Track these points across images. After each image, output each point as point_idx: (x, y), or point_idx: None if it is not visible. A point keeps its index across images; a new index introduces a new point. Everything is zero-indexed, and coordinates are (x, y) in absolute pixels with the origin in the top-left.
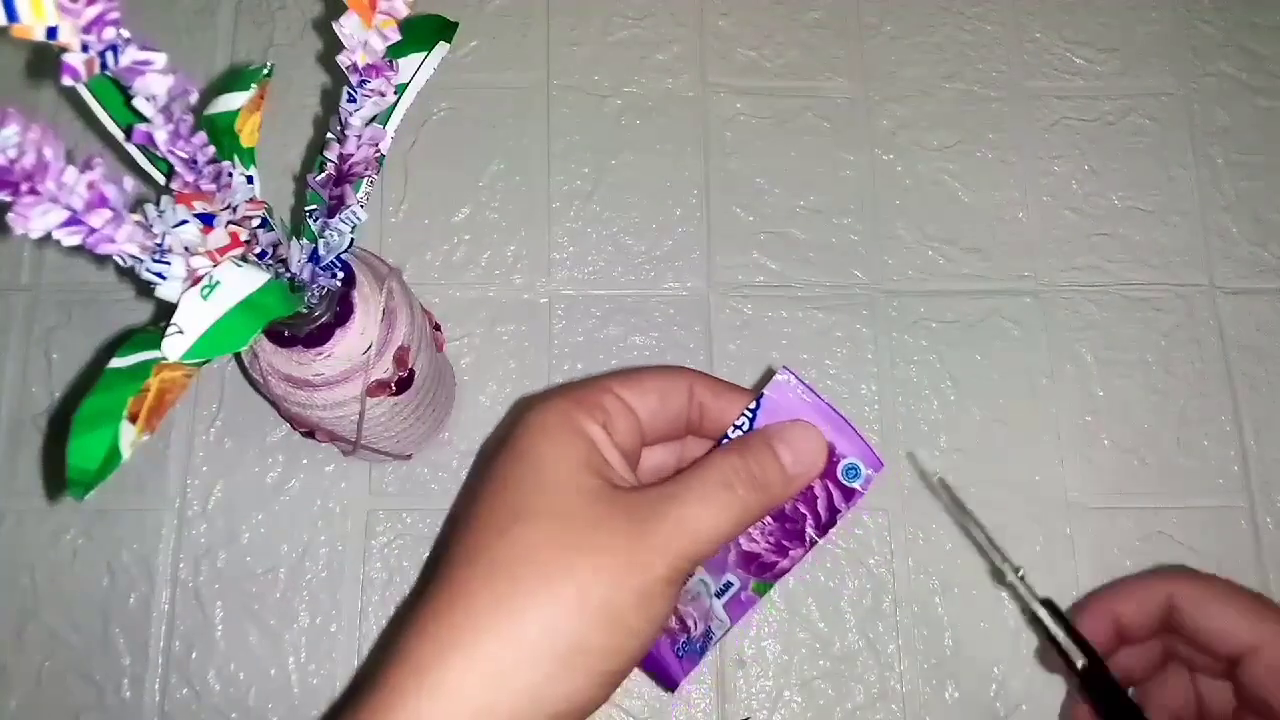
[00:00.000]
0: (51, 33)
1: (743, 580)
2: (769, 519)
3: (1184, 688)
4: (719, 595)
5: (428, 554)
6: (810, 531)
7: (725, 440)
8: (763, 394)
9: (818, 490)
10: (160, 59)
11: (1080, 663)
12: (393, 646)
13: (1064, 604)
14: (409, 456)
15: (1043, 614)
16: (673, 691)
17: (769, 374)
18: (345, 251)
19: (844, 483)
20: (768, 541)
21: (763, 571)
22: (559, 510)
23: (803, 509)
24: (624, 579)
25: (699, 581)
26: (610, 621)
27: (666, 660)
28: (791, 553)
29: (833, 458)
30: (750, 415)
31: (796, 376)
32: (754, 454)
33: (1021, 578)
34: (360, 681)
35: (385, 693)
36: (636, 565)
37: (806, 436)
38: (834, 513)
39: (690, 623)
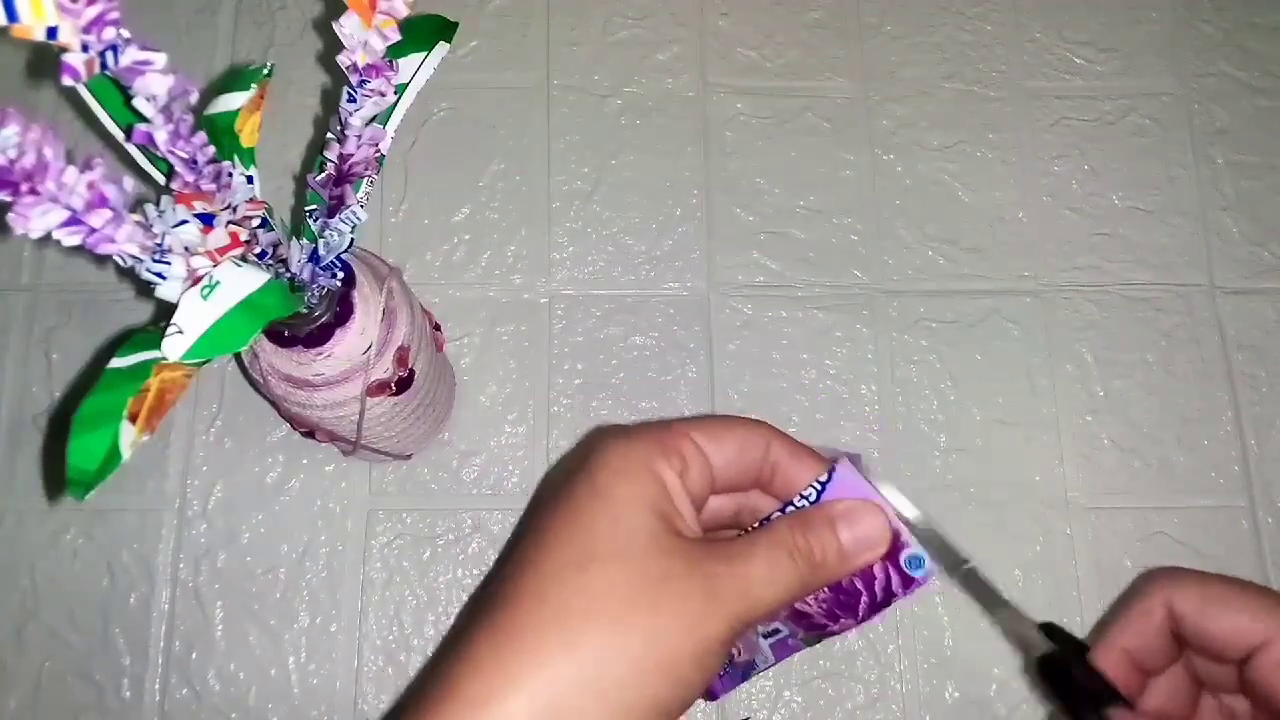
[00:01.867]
0: (51, 33)
1: (791, 630)
2: (826, 589)
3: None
4: (766, 637)
5: (492, 565)
6: (863, 608)
7: (790, 507)
8: (834, 467)
9: (878, 571)
10: (160, 59)
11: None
12: (447, 674)
13: (1065, 604)
14: (409, 456)
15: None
16: (712, 701)
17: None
18: (345, 251)
19: (906, 570)
20: (821, 607)
21: (811, 629)
22: (630, 559)
23: (860, 585)
24: (686, 636)
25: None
26: (668, 675)
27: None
28: (842, 621)
29: (898, 544)
30: (819, 487)
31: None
32: (815, 530)
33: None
34: (408, 702)
35: None
36: (699, 624)
37: (870, 518)
38: (890, 596)
39: (735, 651)
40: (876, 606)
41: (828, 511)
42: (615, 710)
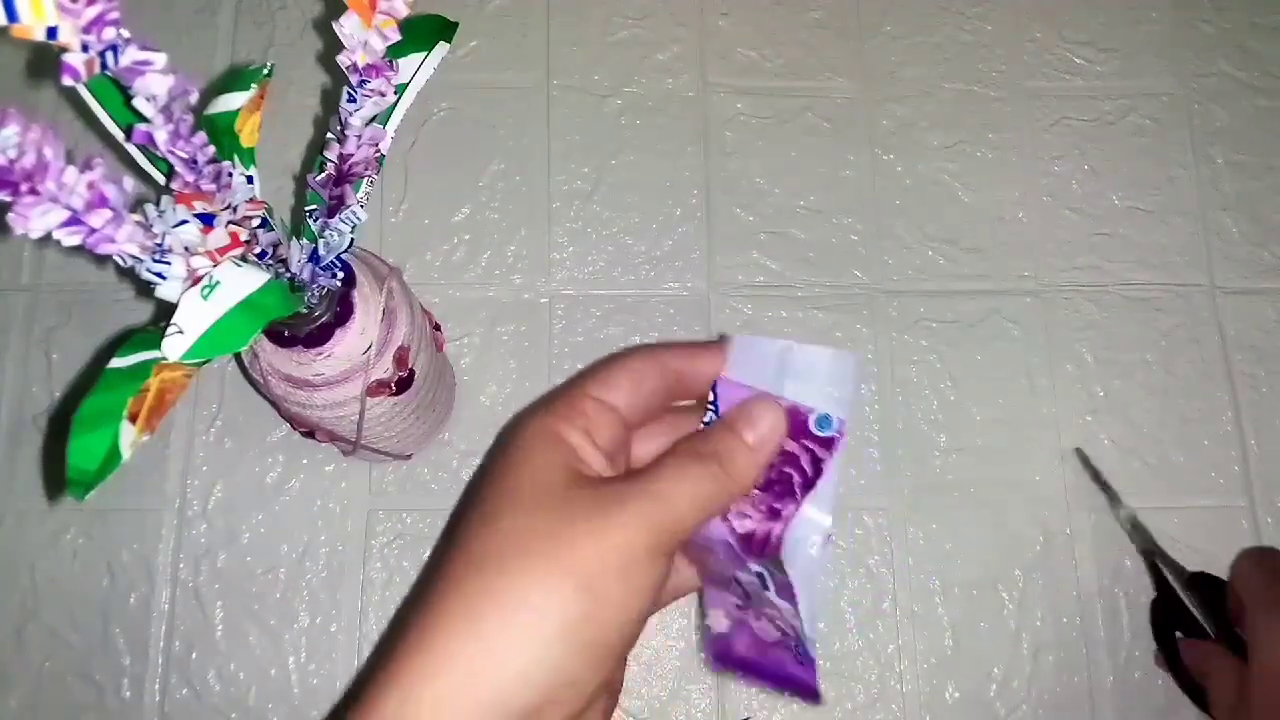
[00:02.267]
0: (51, 33)
1: (765, 566)
2: (757, 492)
3: None
4: (769, 589)
5: (427, 558)
6: (799, 486)
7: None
8: (716, 384)
9: (795, 450)
10: (160, 59)
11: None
12: (396, 637)
13: (1064, 604)
14: (409, 456)
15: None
16: (817, 700)
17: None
18: (345, 251)
19: (819, 434)
20: (760, 512)
21: (764, 548)
22: (542, 505)
23: (787, 469)
24: (603, 553)
25: (753, 582)
26: (592, 594)
27: (792, 672)
28: (784, 512)
29: (799, 417)
30: (712, 407)
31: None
32: (717, 436)
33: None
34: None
35: (383, 682)
36: (614, 538)
37: (763, 410)
38: (818, 464)
39: (783, 627)
40: (811, 480)
41: (724, 421)
42: (543, 641)
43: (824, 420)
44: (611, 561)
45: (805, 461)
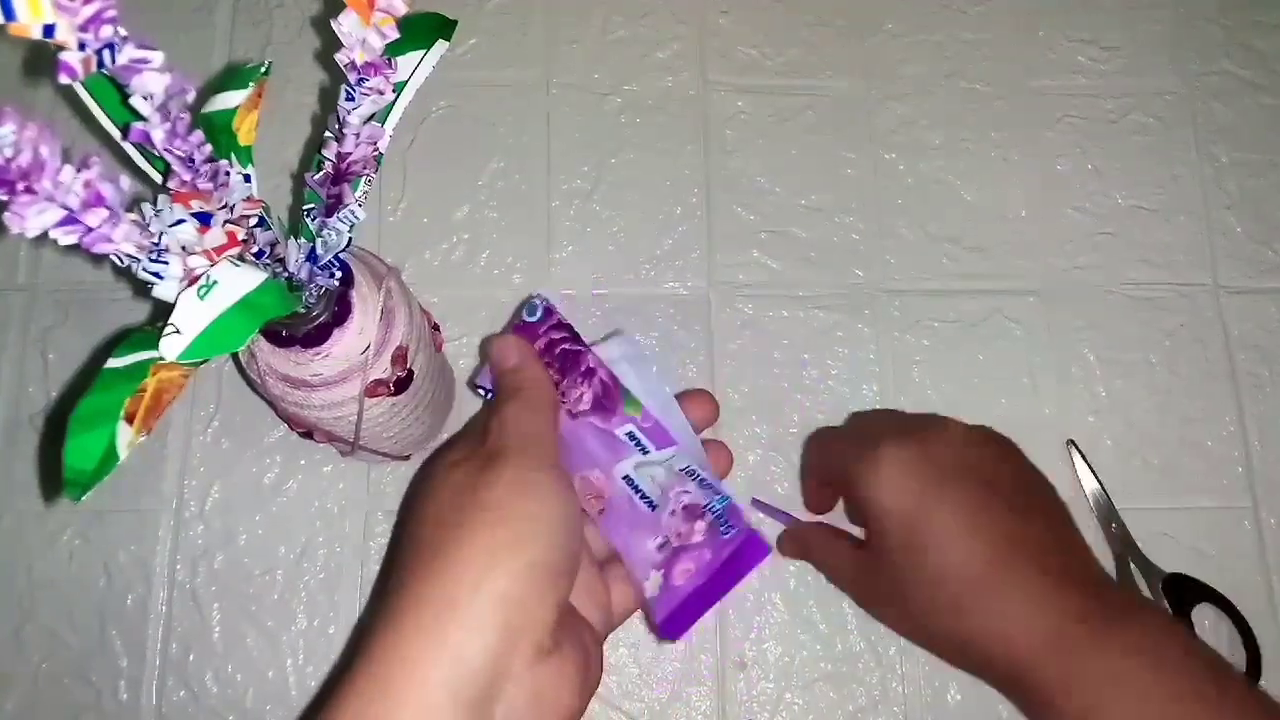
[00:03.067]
0: (48, 31)
1: (627, 419)
2: (561, 380)
3: None
4: (650, 450)
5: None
6: (574, 347)
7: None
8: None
9: (544, 342)
10: (157, 57)
11: None
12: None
13: None
14: (407, 457)
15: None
16: (765, 548)
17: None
18: (343, 250)
19: (531, 320)
20: (580, 386)
21: (611, 398)
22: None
23: (558, 350)
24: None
25: (641, 466)
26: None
27: (729, 551)
28: (587, 365)
29: (522, 328)
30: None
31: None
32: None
33: None
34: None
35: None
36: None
37: (497, 345)
38: (564, 333)
39: (691, 503)
40: (575, 336)
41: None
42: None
43: (530, 307)
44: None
45: (562, 338)
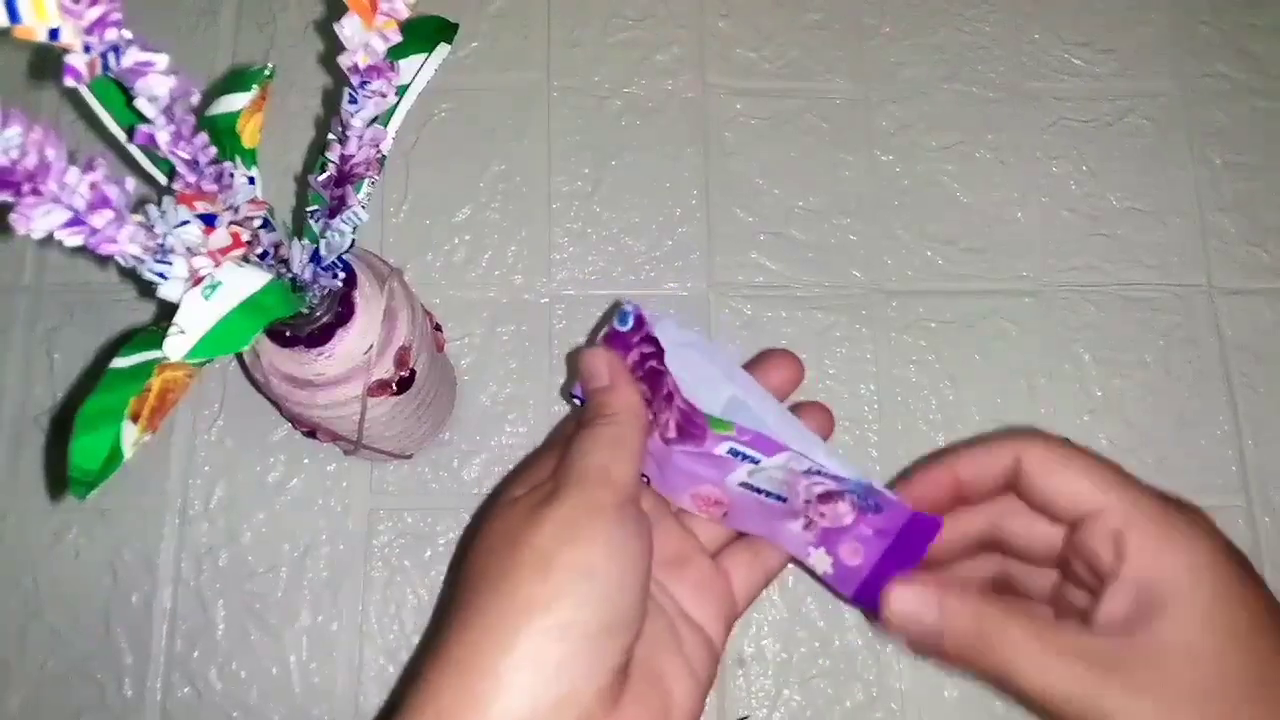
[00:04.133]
0: (54, 34)
1: (723, 438)
2: (646, 403)
3: (993, 567)
4: (760, 460)
5: (442, 573)
6: (656, 370)
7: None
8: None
9: (634, 356)
10: (162, 60)
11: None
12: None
13: None
14: (410, 456)
15: None
16: (935, 523)
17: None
18: (346, 252)
19: (618, 329)
20: (665, 410)
21: (695, 424)
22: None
23: (641, 371)
24: (579, 531)
25: (753, 472)
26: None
27: (890, 525)
28: (667, 389)
29: (616, 338)
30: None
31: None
32: (589, 402)
33: None
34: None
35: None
36: (589, 507)
37: (587, 358)
38: (651, 354)
39: (830, 488)
40: (656, 353)
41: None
42: (584, 638)
43: (621, 316)
44: (601, 535)
45: (650, 353)
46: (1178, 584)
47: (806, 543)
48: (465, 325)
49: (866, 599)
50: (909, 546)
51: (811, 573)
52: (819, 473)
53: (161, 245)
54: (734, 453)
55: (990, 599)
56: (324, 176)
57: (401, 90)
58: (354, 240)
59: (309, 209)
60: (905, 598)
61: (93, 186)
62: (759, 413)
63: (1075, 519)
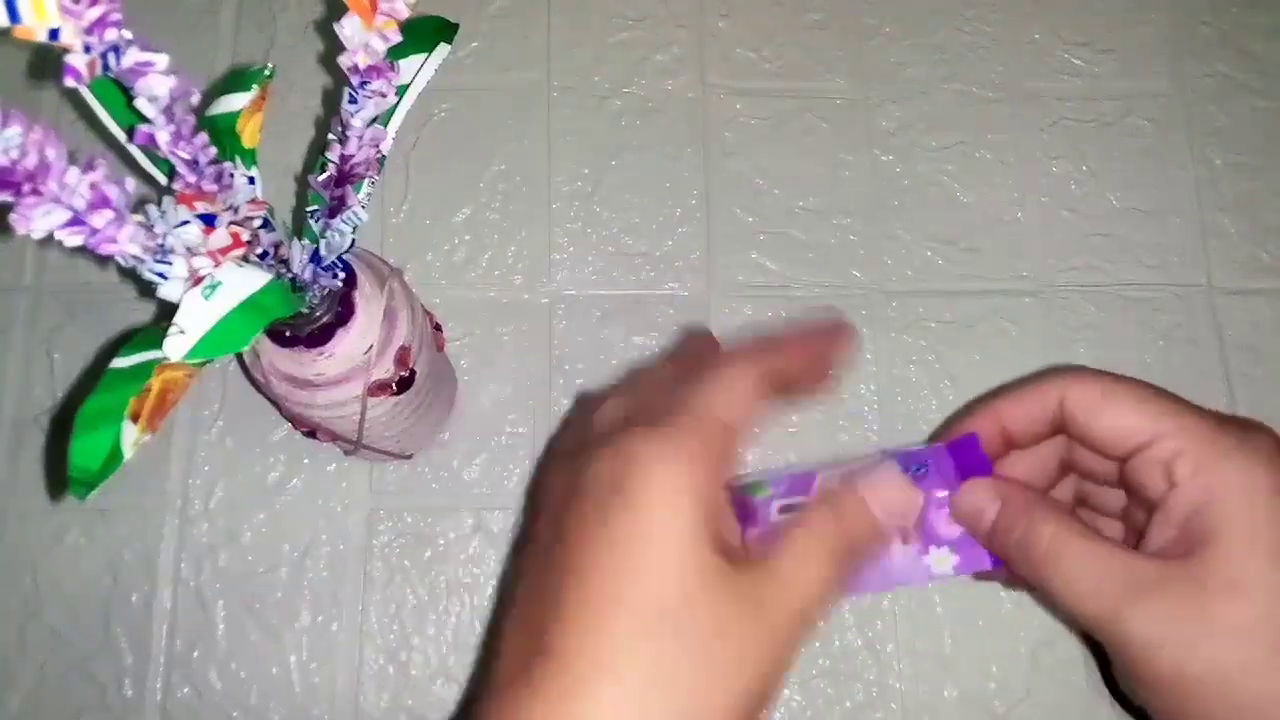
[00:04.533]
0: (54, 34)
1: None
2: None
3: (1070, 491)
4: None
5: (495, 559)
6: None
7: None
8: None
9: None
10: (162, 60)
11: None
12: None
13: None
14: (410, 456)
15: None
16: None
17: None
18: (347, 252)
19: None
20: None
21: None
22: (677, 606)
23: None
24: (755, 667)
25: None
26: (742, 706)
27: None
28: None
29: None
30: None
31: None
32: (847, 510)
33: None
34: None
35: None
36: (765, 654)
37: (886, 480)
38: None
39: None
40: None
41: (851, 486)
42: None
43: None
44: (771, 671)
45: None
46: (1227, 510)
47: (917, 555)
48: (465, 325)
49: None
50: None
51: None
52: (854, 472)
53: (161, 245)
54: (786, 509)
55: (1046, 502)
56: (324, 176)
57: (401, 90)
58: (354, 240)
59: (309, 209)
60: (971, 492)
61: (93, 186)
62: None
63: (1127, 454)
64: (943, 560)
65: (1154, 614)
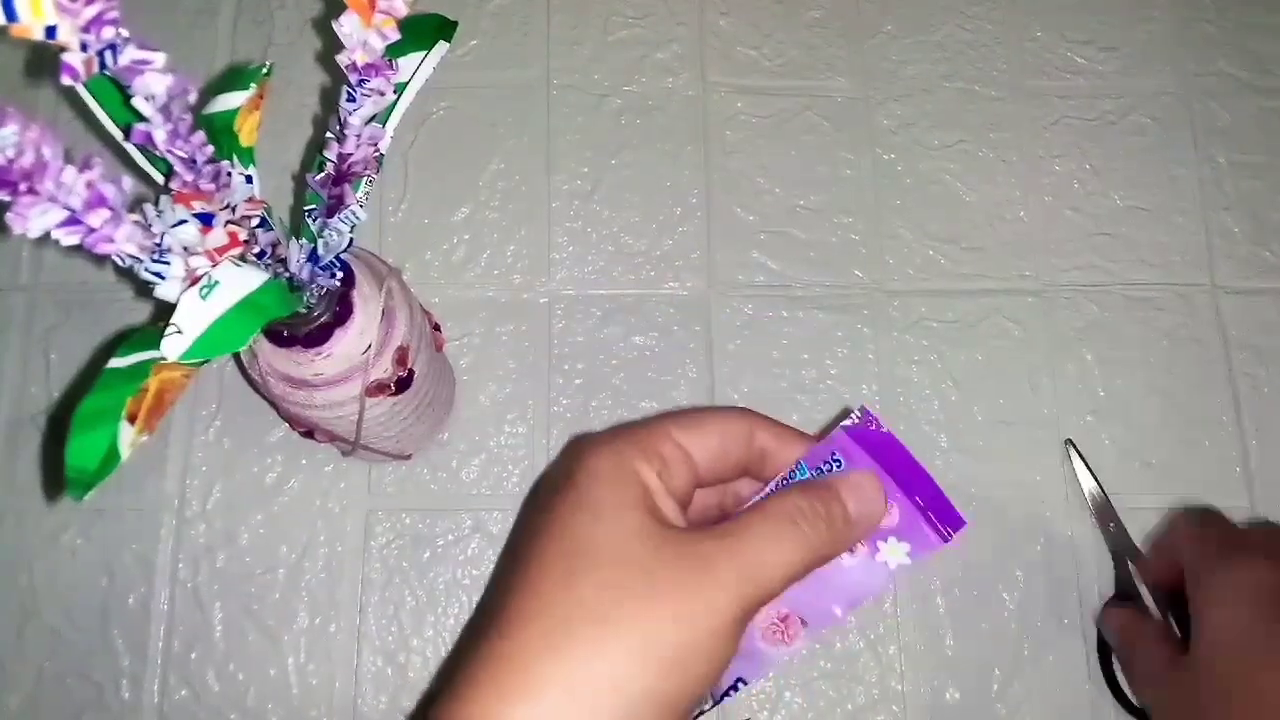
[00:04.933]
0: (50, 32)
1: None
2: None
3: None
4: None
5: (489, 578)
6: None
7: (779, 485)
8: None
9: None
10: (159, 58)
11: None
12: (447, 697)
13: (1065, 604)
14: (408, 457)
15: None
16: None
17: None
18: (344, 251)
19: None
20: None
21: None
22: (617, 558)
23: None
24: (688, 625)
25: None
26: (675, 666)
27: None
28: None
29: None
30: (834, 460)
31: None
32: (818, 493)
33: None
34: None
35: None
36: (700, 609)
37: (868, 484)
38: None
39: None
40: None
41: (826, 480)
42: (618, 711)
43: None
44: (702, 636)
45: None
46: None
47: (869, 557)
48: (464, 325)
49: (951, 522)
50: (884, 452)
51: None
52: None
53: (158, 244)
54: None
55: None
56: (322, 175)
57: (400, 88)
58: (352, 239)
59: (307, 208)
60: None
61: (89, 185)
62: None
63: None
64: (895, 551)
65: None
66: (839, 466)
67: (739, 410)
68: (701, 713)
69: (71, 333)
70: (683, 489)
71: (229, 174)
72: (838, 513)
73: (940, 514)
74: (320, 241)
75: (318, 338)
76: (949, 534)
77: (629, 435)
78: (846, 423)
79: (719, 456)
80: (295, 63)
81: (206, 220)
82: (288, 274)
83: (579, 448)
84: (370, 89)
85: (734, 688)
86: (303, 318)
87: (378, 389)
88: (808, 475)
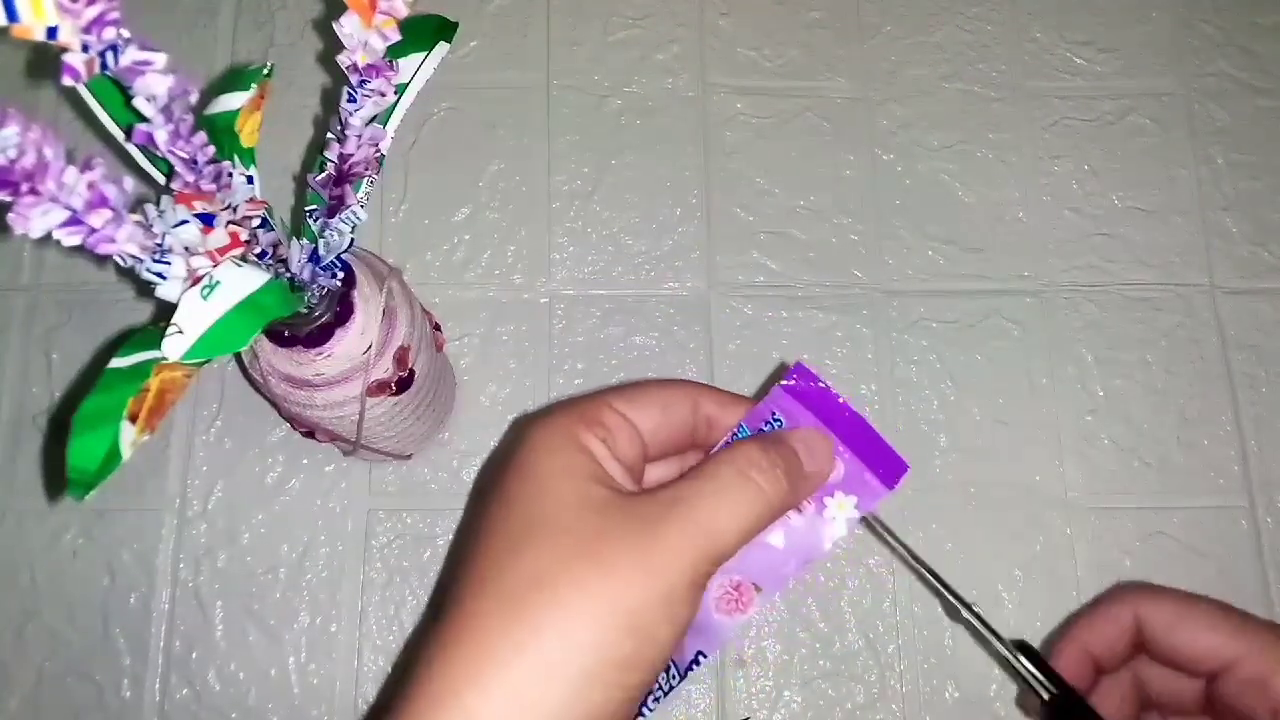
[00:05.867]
0: (52, 33)
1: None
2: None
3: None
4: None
5: (439, 572)
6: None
7: (725, 444)
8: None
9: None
10: (160, 59)
11: (1047, 695)
12: (406, 681)
13: (1064, 604)
14: (409, 456)
15: (1006, 651)
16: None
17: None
18: (345, 251)
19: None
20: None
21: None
22: (565, 525)
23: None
24: (642, 586)
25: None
26: (632, 630)
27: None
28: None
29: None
30: (774, 419)
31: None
32: (770, 445)
33: (978, 615)
34: (374, 717)
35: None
36: (655, 570)
37: (815, 438)
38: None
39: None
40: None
41: (778, 433)
42: (576, 678)
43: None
44: (656, 597)
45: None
46: None
47: (817, 514)
48: (465, 325)
49: (893, 469)
50: (823, 407)
51: (874, 534)
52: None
53: (160, 245)
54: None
55: None
56: (322, 176)
57: (400, 89)
58: (353, 240)
59: (307, 208)
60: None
61: (91, 186)
62: None
63: (1210, 672)
64: (844, 505)
65: None
66: (780, 425)
67: (681, 381)
68: (665, 692)
69: (73, 333)
70: (630, 457)
71: (230, 174)
72: (793, 463)
73: (883, 462)
74: (321, 242)
75: (319, 338)
76: (894, 481)
77: (570, 407)
78: (784, 381)
79: (663, 425)
80: (296, 63)
81: (208, 220)
82: (289, 274)
83: (522, 426)
84: (371, 90)
85: (695, 662)
86: (304, 318)
87: (378, 389)
88: (748, 436)
